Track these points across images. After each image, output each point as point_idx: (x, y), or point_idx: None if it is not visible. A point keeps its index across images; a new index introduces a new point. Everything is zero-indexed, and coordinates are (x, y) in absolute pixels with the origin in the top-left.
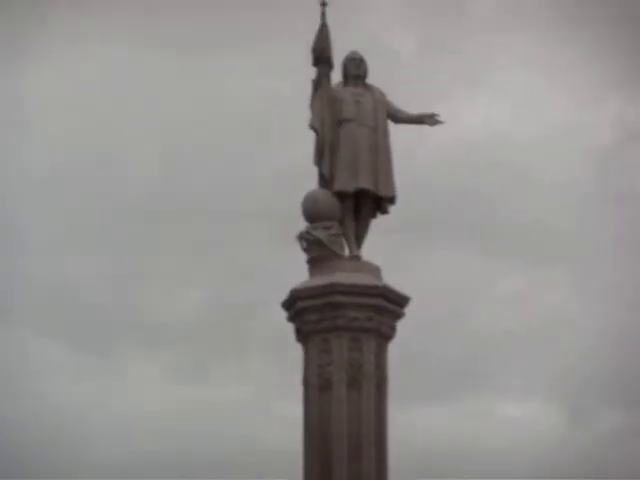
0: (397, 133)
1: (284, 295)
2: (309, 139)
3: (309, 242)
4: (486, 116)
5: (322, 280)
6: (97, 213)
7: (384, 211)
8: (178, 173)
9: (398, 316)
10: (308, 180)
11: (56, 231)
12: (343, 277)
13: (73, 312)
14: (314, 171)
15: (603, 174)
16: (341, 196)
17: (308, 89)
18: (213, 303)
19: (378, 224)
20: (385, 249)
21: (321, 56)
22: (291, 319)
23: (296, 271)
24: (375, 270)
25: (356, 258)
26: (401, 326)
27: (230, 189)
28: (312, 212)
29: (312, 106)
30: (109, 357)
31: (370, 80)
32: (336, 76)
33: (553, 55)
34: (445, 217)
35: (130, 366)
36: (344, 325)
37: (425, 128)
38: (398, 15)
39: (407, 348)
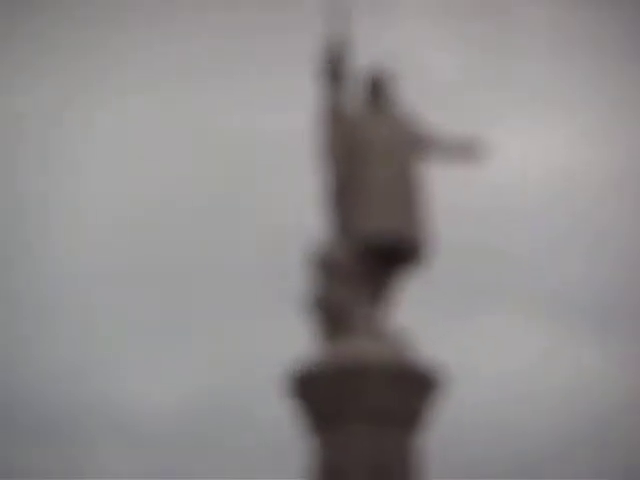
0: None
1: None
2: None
3: (321, 306)
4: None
5: (337, 354)
6: None
7: (417, 265)
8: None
9: (430, 394)
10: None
11: None
12: (364, 350)
13: None
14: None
15: None
16: (361, 247)
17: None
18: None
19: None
20: (420, 312)
21: (336, 70)
22: (298, 404)
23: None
24: (405, 340)
25: (381, 325)
26: None
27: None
28: (325, 268)
29: (324, 134)
30: None
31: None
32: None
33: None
34: (491, 277)
35: None
36: (365, 410)
37: None
38: (435, 26)
39: None
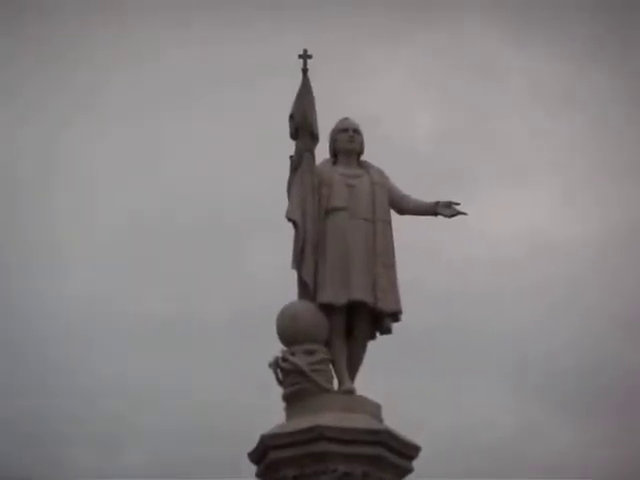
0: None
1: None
2: (287, 236)
3: (286, 372)
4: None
5: (303, 423)
6: None
7: (385, 330)
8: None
9: (405, 471)
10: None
11: None
12: (331, 418)
13: None
14: (292, 278)
15: None
16: (328, 310)
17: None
18: None
19: (378, 346)
20: (388, 380)
21: (302, 124)
22: (261, 475)
23: (268, 411)
24: (374, 409)
25: (349, 393)
26: None
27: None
28: (290, 332)
29: (290, 192)
30: None
31: (368, 157)
32: (322, 152)
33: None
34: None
35: None
36: None
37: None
38: (413, 81)
39: None
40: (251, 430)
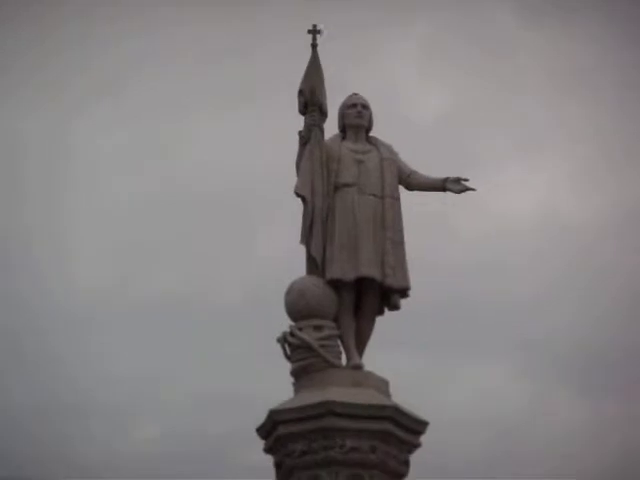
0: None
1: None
2: (297, 213)
3: (294, 347)
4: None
5: (311, 398)
6: None
7: (394, 306)
8: None
9: (412, 447)
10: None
11: None
12: (339, 394)
13: None
14: (301, 254)
15: None
16: (337, 286)
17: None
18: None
19: (387, 322)
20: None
21: (311, 100)
22: (269, 450)
23: (276, 386)
24: (382, 384)
25: (357, 368)
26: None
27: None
28: (298, 307)
29: (299, 167)
30: None
31: (378, 134)
32: (332, 127)
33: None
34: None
35: None
36: (340, 458)
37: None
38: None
39: None
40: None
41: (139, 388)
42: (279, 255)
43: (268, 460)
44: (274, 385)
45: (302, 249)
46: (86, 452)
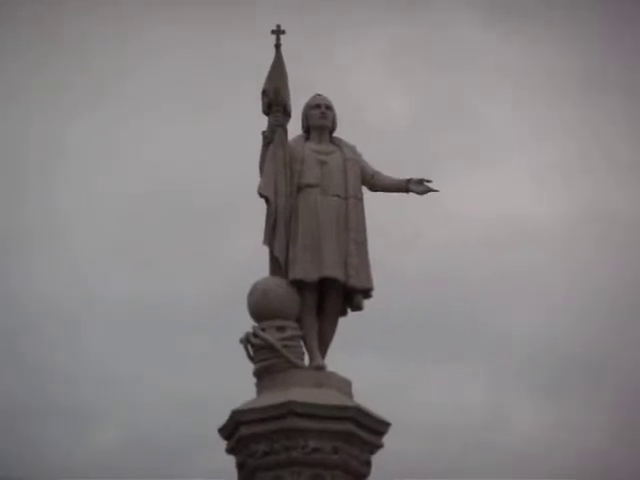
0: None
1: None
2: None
3: (257, 347)
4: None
5: (273, 398)
6: None
7: (356, 307)
8: None
9: (374, 447)
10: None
11: None
12: (301, 394)
13: None
14: (264, 256)
15: None
16: (300, 287)
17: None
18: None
19: (349, 323)
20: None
21: (275, 100)
22: (231, 451)
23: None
24: (344, 385)
25: (319, 369)
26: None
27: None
28: (260, 308)
29: (262, 168)
30: None
31: (340, 134)
32: (296, 128)
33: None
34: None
35: None
36: (302, 459)
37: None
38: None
39: None
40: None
41: (103, 389)
42: (243, 256)
43: (230, 461)
44: (237, 386)
45: (265, 250)
46: (44, 453)
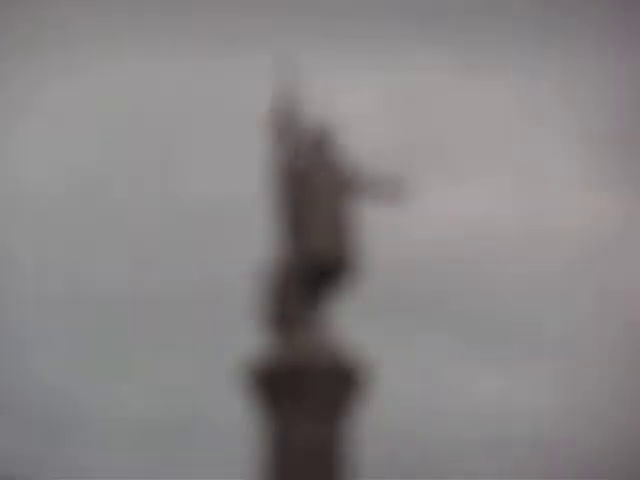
0: None
1: None
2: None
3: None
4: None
5: (284, 356)
6: None
7: (352, 282)
8: None
9: (361, 394)
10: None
11: None
12: (305, 353)
13: None
14: None
15: None
16: (306, 264)
17: None
18: None
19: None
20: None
21: (282, 120)
22: (252, 392)
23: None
24: (340, 344)
25: (320, 332)
26: None
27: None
28: (273, 280)
29: (277, 181)
30: None
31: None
32: None
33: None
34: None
35: None
36: (306, 402)
37: None
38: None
39: None
40: None
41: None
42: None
43: None
44: None
45: None
46: None
